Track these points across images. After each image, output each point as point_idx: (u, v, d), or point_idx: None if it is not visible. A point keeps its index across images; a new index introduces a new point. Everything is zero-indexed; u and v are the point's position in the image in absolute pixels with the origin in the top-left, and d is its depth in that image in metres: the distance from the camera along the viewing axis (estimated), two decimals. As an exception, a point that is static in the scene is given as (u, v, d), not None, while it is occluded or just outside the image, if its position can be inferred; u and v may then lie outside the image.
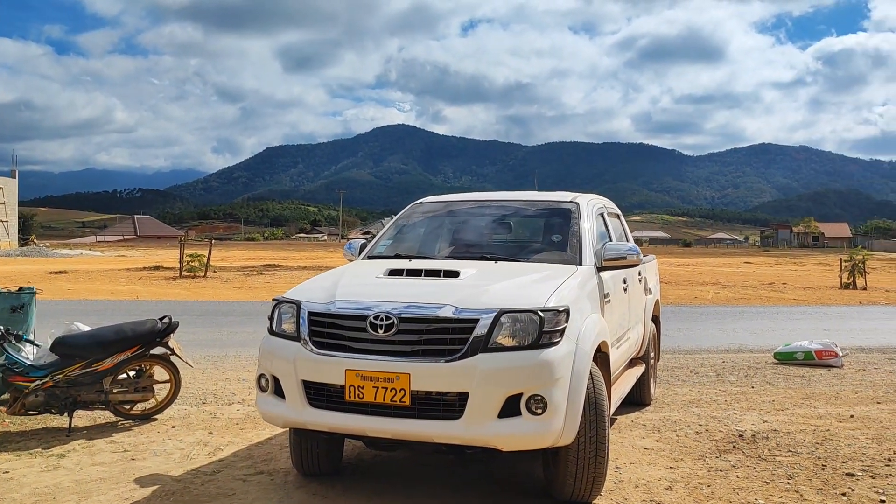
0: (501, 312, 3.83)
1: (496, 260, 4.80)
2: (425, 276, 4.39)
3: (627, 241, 6.41)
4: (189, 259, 25.02)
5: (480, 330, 3.80)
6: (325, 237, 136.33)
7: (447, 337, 3.85)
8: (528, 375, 3.76)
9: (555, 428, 3.78)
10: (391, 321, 3.89)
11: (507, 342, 3.81)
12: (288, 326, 4.27)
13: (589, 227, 5.13)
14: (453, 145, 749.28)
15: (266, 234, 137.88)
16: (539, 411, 3.76)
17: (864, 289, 24.42)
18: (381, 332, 3.90)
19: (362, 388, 3.89)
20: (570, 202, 5.43)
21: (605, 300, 4.81)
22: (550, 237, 5.27)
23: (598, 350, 4.34)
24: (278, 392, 4.23)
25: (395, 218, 5.79)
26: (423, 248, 5.46)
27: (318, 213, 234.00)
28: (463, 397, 3.77)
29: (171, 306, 16.17)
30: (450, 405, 3.81)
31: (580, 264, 4.75)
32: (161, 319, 6.11)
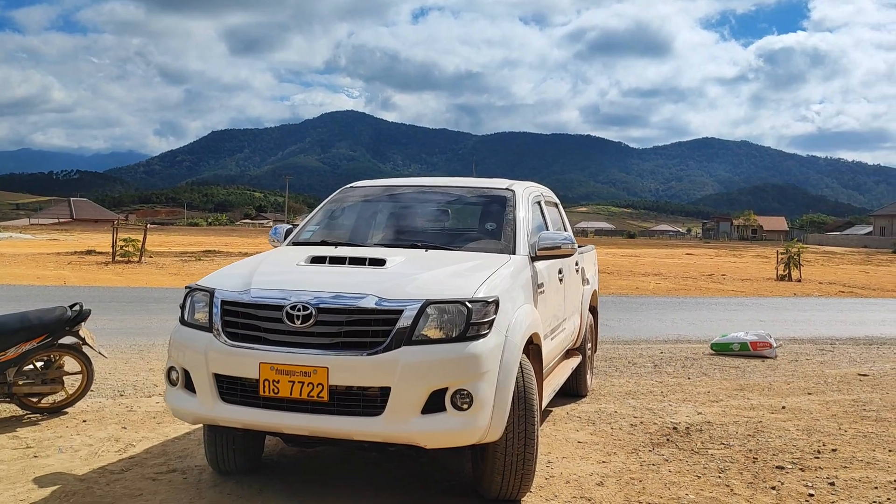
0: (427, 303, 3.63)
1: (427, 248, 4.59)
2: (349, 263, 4.16)
3: (565, 230, 6.27)
4: (123, 243, 24.17)
5: (404, 321, 3.59)
6: (271, 223, 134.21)
7: (369, 329, 3.62)
8: (454, 369, 3.57)
9: (481, 424, 3.60)
10: (309, 312, 3.65)
11: (433, 334, 3.61)
12: (200, 316, 3.99)
13: (524, 215, 4.95)
14: (403, 133, 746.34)
15: (210, 220, 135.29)
16: (465, 406, 3.57)
17: (799, 281, 25.06)
18: (298, 323, 3.65)
19: (277, 382, 3.64)
20: (506, 189, 5.24)
21: (539, 291, 4.64)
22: (485, 225, 5.07)
23: (530, 342, 4.18)
24: (189, 386, 3.96)
25: (324, 202, 5.52)
26: (352, 235, 5.21)
27: (264, 199, 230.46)
28: (385, 392, 3.56)
29: (100, 292, 15.55)
30: (371, 401, 3.59)
31: (514, 254, 4.57)
32: (71, 307, 5.72)
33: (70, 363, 5.83)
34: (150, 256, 26.03)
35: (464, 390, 3.57)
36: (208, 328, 3.88)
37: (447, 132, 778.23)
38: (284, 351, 3.66)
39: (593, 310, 7.14)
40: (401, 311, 3.61)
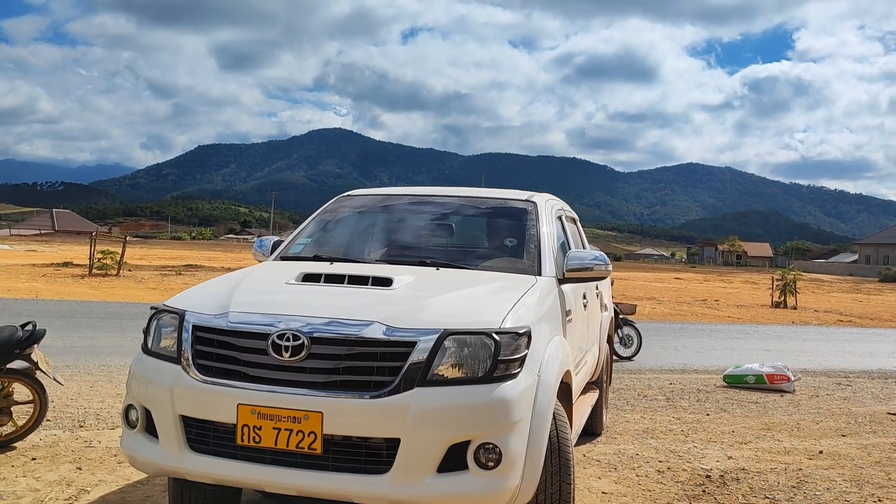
0: (446, 334, 2.95)
1: (437, 266, 3.91)
2: (349, 283, 3.47)
3: (584, 248, 5.62)
4: (101, 256, 23.29)
5: (418, 356, 2.91)
6: (256, 239, 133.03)
7: (374, 365, 2.94)
8: (479, 417, 2.88)
9: (510, 485, 2.92)
10: (301, 342, 2.96)
11: (452, 373, 2.93)
12: (167, 343, 3.29)
13: (548, 231, 4.30)
14: (390, 151, 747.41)
15: (194, 234, 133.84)
16: (491, 464, 2.89)
17: (795, 308, 24.57)
18: (286, 355, 2.96)
19: (259, 428, 2.94)
20: (526, 201, 4.59)
21: (567, 319, 3.98)
22: (503, 241, 4.40)
23: (561, 381, 3.51)
24: (150, 430, 3.24)
25: (317, 212, 4.84)
26: (349, 250, 4.53)
27: (248, 215, 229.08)
28: (393, 445, 2.87)
29: (73, 307, 14.73)
30: (374, 454, 2.90)
31: (539, 275, 3.90)
32: (23, 326, 4.99)
33: (20, 391, 5.09)
34: (129, 270, 25.16)
35: (490, 444, 2.89)
36: (176, 359, 3.18)
37: (434, 152, 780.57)
38: (269, 390, 2.96)
39: (609, 338, 6.49)
40: (413, 344, 2.93)
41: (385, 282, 3.44)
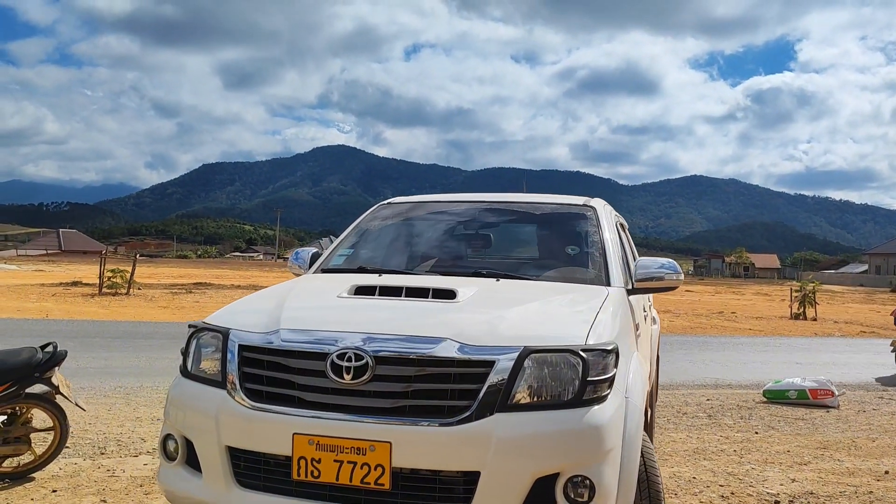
0: (527, 352, 2.62)
1: (496, 277, 3.58)
2: (406, 296, 3.15)
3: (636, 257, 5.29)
4: (110, 275, 23.01)
5: (497, 377, 2.58)
6: (261, 256, 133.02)
7: (447, 388, 2.61)
8: (569, 447, 2.55)
9: None
10: (364, 362, 2.64)
11: (536, 397, 2.60)
12: (209, 365, 2.97)
13: (611, 237, 3.97)
14: (394, 167, 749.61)
15: (199, 252, 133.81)
16: (582, 499, 2.55)
17: (815, 319, 24.14)
18: (348, 377, 2.63)
19: (318, 461, 2.62)
20: (584, 206, 4.27)
21: (636, 333, 3.65)
22: (563, 249, 4.08)
23: None
24: (192, 462, 2.92)
25: (357, 221, 4.51)
26: (395, 261, 4.20)
27: (254, 232, 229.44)
28: (471, 478, 2.53)
29: (84, 327, 14.41)
30: (450, 490, 2.57)
31: (608, 285, 3.58)
32: (43, 347, 4.67)
33: (39, 417, 4.76)
34: (139, 288, 24.87)
35: (581, 476, 2.55)
36: (220, 383, 2.86)
37: (437, 167, 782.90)
38: (329, 417, 2.64)
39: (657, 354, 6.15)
40: (491, 363, 2.60)
41: (448, 294, 3.12)
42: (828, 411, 8.26)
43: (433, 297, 3.10)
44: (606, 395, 2.66)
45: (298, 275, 4.23)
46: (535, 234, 4.43)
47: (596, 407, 2.60)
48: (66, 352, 4.77)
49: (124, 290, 22.90)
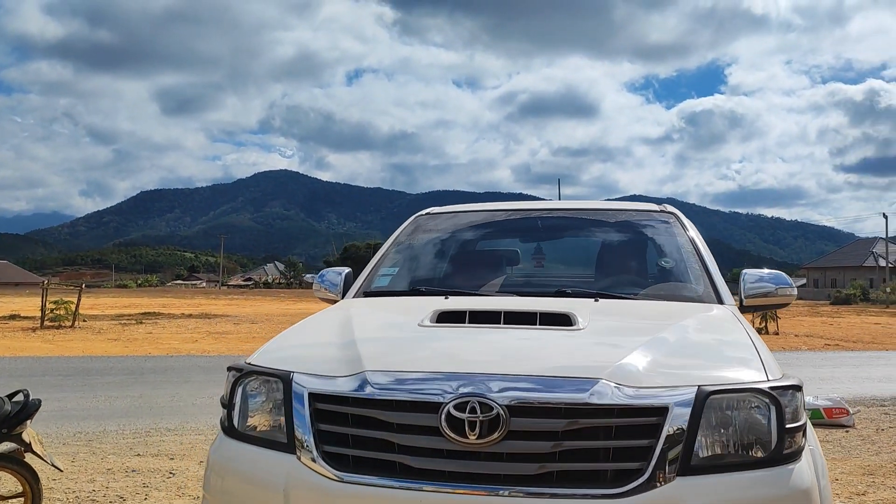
0: (704, 393, 2.02)
1: (593, 296, 2.97)
2: (506, 322, 2.51)
3: None
4: (53, 307, 21.56)
5: (673, 427, 1.97)
6: (205, 284, 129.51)
7: (608, 445, 1.98)
8: None
9: None
10: (493, 413, 1.99)
11: (725, 453, 2.00)
12: (263, 421, 2.28)
13: (704, 247, 3.42)
14: (337, 192, 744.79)
15: (140, 281, 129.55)
16: None
17: (777, 334, 24.19)
18: (473, 435, 1.99)
19: None
20: (662, 211, 3.72)
21: None
22: (654, 261, 3.50)
23: None
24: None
25: (394, 235, 3.85)
26: (451, 280, 3.55)
27: (195, 260, 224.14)
28: None
29: (29, 364, 13.22)
30: None
31: (721, 303, 3.02)
32: (11, 397, 3.86)
33: (7, 481, 3.92)
34: (84, 320, 23.41)
35: None
36: (286, 445, 2.17)
37: (382, 191, 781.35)
38: (448, 490, 1.97)
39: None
40: (665, 410, 1.98)
41: (561, 320, 2.49)
42: (847, 431, 7.87)
43: (544, 324, 2.47)
44: (803, 447, 2.07)
45: (332, 301, 3.55)
46: (611, 244, 3.81)
47: (799, 464, 2.01)
48: (39, 401, 3.96)
49: (69, 323, 21.48)
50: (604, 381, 2.03)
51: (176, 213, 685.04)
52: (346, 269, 3.69)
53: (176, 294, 66.45)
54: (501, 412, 1.98)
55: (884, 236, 76.79)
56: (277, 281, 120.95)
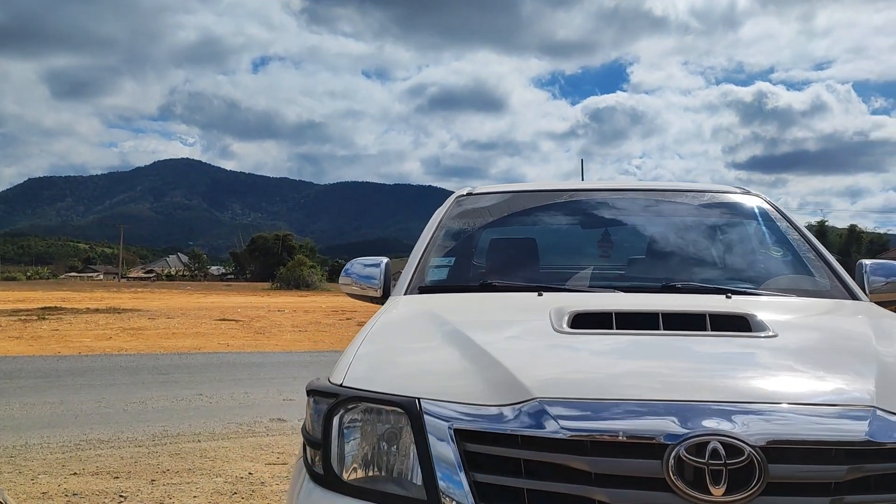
0: None
1: (724, 293, 2.45)
2: (666, 328, 1.96)
3: None
4: (-59, 302, 19.57)
5: None
6: (102, 276, 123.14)
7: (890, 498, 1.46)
8: None
9: None
10: (745, 457, 1.44)
11: None
12: (377, 468, 1.66)
13: (811, 235, 2.98)
14: (242, 181, 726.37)
15: (29, 273, 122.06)
16: None
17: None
18: (717, 489, 1.42)
19: None
20: (747, 193, 3.27)
21: None
22: (762, 251, 3.02)
23: None
24: None
25: (437, 220, 3.20)
26: (527, 272, 2.95)
27: (91, 251, 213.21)
28: None
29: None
30: None
31: (855, 298, 2.57)
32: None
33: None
34: (-26, 317, 21.38)
35: None
36: (421, 502, 1.56)
37: (288, 181, 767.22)
38: None
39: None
40: None
41: (738, 324, 1.96)
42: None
43: (717, 330, 1.93)
44: None
45: (371, 297, 2.91)
46: (704, 230, 3.25)
47: None
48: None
49: (-43, 319, 19.54)
50: (880, 410, 1.51)
51: (68, 202, 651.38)
52: (384, 259, 3.04)
53: (73, 287, 62.69)
54: (756, 456, 1.43)
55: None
56: (181, 273, 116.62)
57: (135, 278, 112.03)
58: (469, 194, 3.40)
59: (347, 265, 3.11)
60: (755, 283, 2.73)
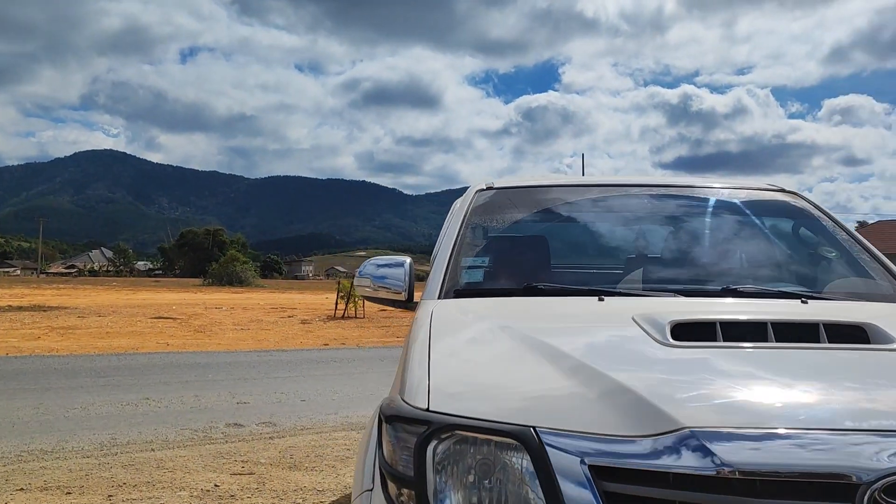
0: None
1: (800, 298, 2.26)
2: (778, 339, 1.74)
3: None
4: None
5: None
6: (19, 271, 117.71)
7: None
8: None
9: None
10: None
11: None
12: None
13: (859, 235, 2.82)
14: (169, 175, 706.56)
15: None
16: None
17: None
18: None
19: None
20: (783, 191, 3.10)
21: None
22: (820, 253, 2.84)
23: None
24: None
25: (462, 217, 2.91)
26: (570, 275, 2.72)
27: (6, 245, 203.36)
28: None
29: None
30: None
31: None
32: None
33: None
34: None
35: None
36: None
37: (218, 175, 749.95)
38: None
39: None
40: None
41: (858, 335, 1.76)
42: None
43: (829, 342, 1.72)
44: None
45: (394, 300, 2.62)
46: (750, 230, 3.03)
47: None
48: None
49: None
50: None
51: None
52: (406, 259, 2.74)
53: (-9, 283, 59.59)
54: None
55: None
56: (105, 269, 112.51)
57: (55, 274, 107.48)
58: (489, 188, 3.13)
59: (362, 266, 2.81)
60: (817, 286, 2.56)
